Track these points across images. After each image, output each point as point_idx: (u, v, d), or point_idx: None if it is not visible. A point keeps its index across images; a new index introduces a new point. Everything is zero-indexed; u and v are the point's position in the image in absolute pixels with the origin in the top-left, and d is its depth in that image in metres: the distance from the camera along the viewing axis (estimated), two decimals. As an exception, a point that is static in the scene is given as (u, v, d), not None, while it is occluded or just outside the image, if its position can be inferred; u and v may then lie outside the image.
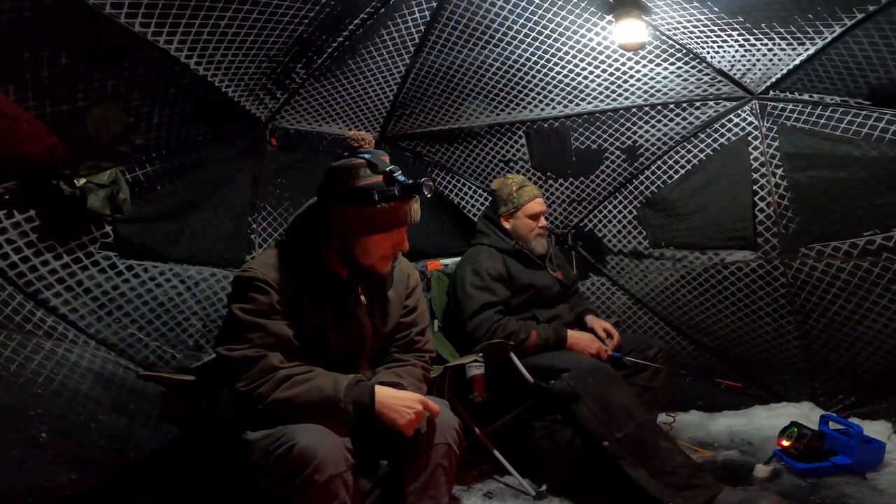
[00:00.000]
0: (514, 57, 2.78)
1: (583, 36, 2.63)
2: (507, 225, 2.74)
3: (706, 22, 2.42)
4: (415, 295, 1.84)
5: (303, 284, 1.60)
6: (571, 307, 2.89)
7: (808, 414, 2.95)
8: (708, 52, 2.64)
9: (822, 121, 2.67)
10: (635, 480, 2.07)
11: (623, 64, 2.78)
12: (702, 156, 3.08)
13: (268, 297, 1.53)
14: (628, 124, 3.11)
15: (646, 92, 2.94)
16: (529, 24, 2.58)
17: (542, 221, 2.75)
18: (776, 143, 2.83)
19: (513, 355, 2.38)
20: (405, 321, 1.81)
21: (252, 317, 1.52)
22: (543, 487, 2.38)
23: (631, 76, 2.85)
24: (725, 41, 2.52)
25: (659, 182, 3.23)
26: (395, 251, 1.68)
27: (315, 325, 1.61)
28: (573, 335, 2.52)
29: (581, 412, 2.18)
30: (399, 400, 1.50)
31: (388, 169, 1.57)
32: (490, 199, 2.89)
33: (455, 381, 2.40)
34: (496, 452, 2.44)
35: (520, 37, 2.66)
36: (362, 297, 1.68)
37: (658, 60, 2.72)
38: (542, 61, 2.80)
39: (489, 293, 2.52)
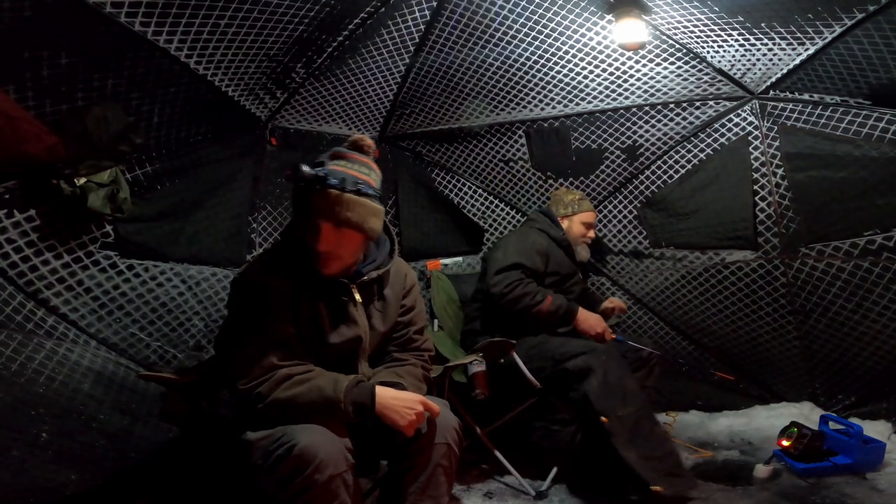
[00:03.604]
0: (514, 57, 2.78)
1: (583, 36, 2.63)
2: (562, 223, 2.93)
3: (706, 22, 2.42)
4: (412, 294, 1.85)
5: (299, 285, 1.61)
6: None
7: (808, 414, 2.95)
8: (708, 52, 2.64)
9: (822, 121, 2.67)
10: (625, 459, 2.13)
11: (623, 64, 2.78)
12: (702, 156, 3.08)
13: (265, 298, 1.55)
14: (628, 124, 3.11)
15: (646, 92, 2.94)
16: (529, 24, 2.58)
17: (592, 234, 2.97)
18: (776, 143, 2.83)
19: (515, 354, 2.39)
20: (402, 320, 1.81)
21: (250, 317, 1.53)
22: (543, 487, 2.39)
23: (631, 76, 2.85)
24: (725, 41, 2.52)
25: (659, 182, 3.23)
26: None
27: (312, 325, 1.61)
28: (583, 312, 2.61)
29: (590, 385, 2.26)
30: (399, 401, 1.50)
31: None
32: (548, 199, 3.15)
33: (454, 380, 2.40)
34: (496, 452, 2.45)
35: (520, 37, 2.66)
36: (357, 297, 1.68)
37: (658, 60, 2.72)
38: (542, 61, 2.80)
39: (525, 257, 2.64)
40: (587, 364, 2.29)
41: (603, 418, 2.19)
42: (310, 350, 1.60)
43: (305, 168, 1.53)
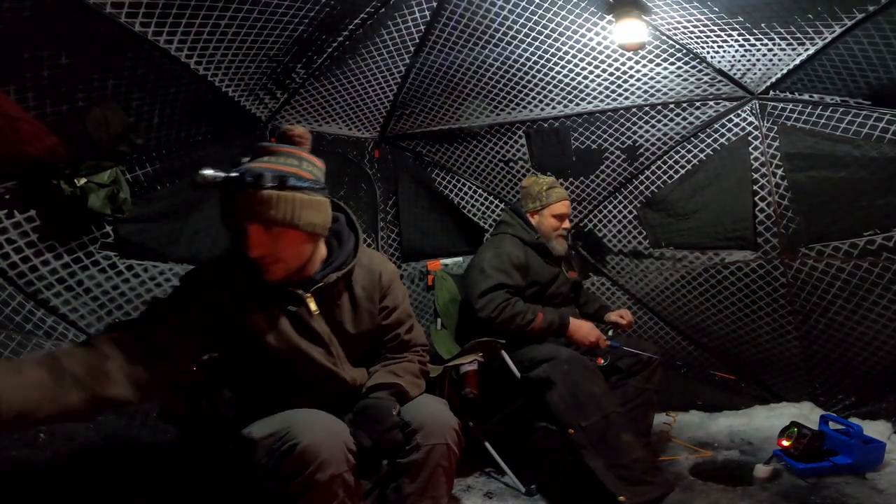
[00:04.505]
0: (514, 57, 2.78)
1: (583, 36, 2.63)
2: (532, 220, 2.79)
3: (706, 22, 2.42)
4: (392, 293, 1.73)
5: (255, 293, 1.50)
6: (583, 303, 2.98)
7: (808, 414, 2.95)
8: (708, 52, 2.64)
9: (822, 121, 2.67)
10: (592, 470, 2.13)
11: (623, 64, 2.78)
12: (702, 156, 3.08)
13: (186, 301, 1.45)
14: (628, 124, 3.11)
15: (646, 92, 2.94)
16: (529, 24, 2.58)
17: (566, 223, 2.81)
18: (776, 143, 2.83)
19: (504, 353, 2.40)
20: (388, 323, 1.73)
21: (154, 312, 1.45)
22: (534, 485, 2.40)
23: (631, 76, 2.85)
24: (725, 41, 2.52)
25: (659, 182, 3.23)
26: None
27: (275, 336, 1.53)
28: (574, 323, 2.56)
29: (552, 398, 2.24)
30: None
31: None
32: (518, 194, 2.91)
33: (454, 379, 2.41)
34: (489, 447, 2.48)
35: (520, 37, 2.66)
36: (313, 307, 1.57)
37: (658, 60, 2.72)
38: (542, 61, 2.81)
39: (505, 275, 2.54)
40: (548, 375, 2.28)
41: (569, 430, 2.18)
42: (286, 365, 1.55)
43: (208, 172, 1.38)
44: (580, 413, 2.19)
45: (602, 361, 2.51)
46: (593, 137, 3.21)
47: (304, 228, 1.45)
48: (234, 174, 1.40)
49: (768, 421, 2.98)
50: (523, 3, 2.47)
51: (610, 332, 2.88)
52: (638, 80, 2.86)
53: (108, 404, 1.29)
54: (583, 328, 2.54)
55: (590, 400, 2.22)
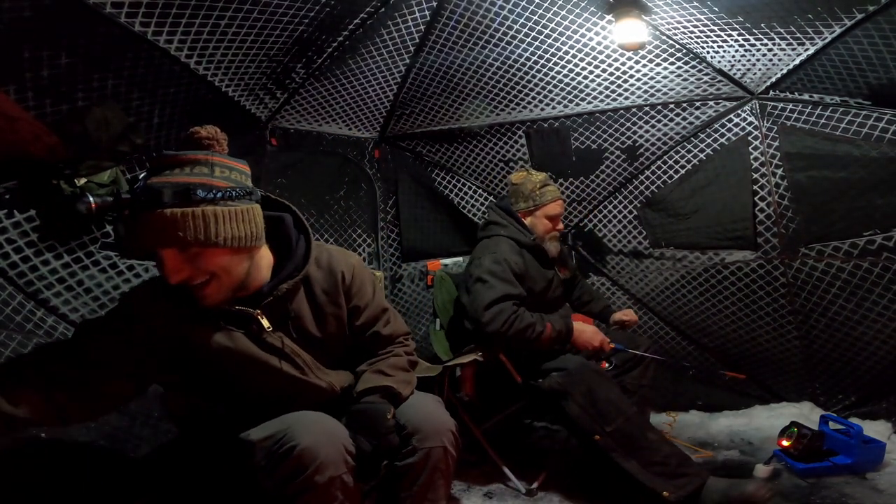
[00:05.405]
0: (514, 57, 2.78)
1: (583, 36, 2.63)
2: (524, 221, 2.67)
3: (706, 22, 2.42)
4: (359, 292, 1.65)
5: (198, 316, 1.42)
6: (584, 302, 2.97)
7: (808, 414, 2.95)
8: (708, 52, 2.64)
9: (822, 121, 2.67)
10: (628, 472, 2.12)
11: (623, 64, 2.78)
12: (702, 156, 3.08)
13: (119, 330, 1.38)
14: (628, 124, 3.11)
15: (646, 92, 2.94)
16: (529, 24, 2.58)
17: (560, 224, 2.70)
18: (776, 143, 2.83)
19: (503, 357, 2.39)
20: (362, 323, 1.67)
21: (80, 333, 1.38)
22: (534, 485, 2.40)
23: (631, 76, 2.85)
24: (725, 41, 2.52)
25: (659, 182, 3.23)
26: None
27: (236, 360, 1.46)
28: (577, 328, 2.48)
29: (571, 409, 2.23)
30: None
31: None
32: (507, 191, 2.76)
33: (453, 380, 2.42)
34: (489, 448, 2.47)
35: (520, 37, 2.66)
36: (264, 322, 1.48)
37: (658, 60, 2.72)
38: (542, 61, 2.81)
39: (510, 285, 2.39)
40: (562, 387, 2.25)
41: (595, 437, 2.17)
42: (256, 387, 1.50)
43: (91, 198, 1.26)
44: (602, 419, 2.17)
45: (606, 365, 2.50)
46: (593, 137, 3.21)
47: (226, 244, 1.32)
48: (126, 195, 1.26)
49: (768, 421, 2.98)
50: (523, 3, 2.47)
51: (613, 328, 2.88)
52: (638, 80, 2.86)
53: (20, 424, 1.25)
54: (585, 333, 2.46)
55: (608, 405, 2.20)
